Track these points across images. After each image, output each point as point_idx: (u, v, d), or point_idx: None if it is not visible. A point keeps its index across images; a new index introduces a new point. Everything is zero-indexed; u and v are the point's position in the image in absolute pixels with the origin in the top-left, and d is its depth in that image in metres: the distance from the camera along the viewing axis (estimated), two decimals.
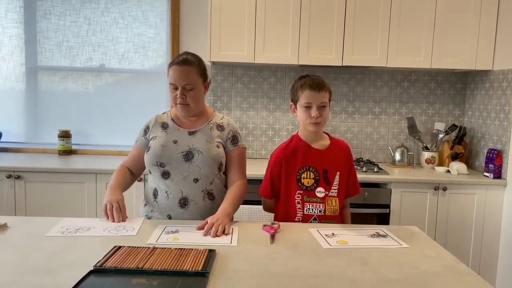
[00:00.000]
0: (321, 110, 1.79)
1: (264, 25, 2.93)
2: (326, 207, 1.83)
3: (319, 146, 1.88)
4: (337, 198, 1.86)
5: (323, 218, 1.83)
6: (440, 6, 2.94)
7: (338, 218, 1.86)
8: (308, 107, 1.79)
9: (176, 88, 1.79)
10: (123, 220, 1.71)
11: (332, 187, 1.85)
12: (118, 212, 1.70)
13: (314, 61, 2.97)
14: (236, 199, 1.82)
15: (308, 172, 1.84)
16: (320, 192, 1.84)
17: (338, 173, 1.86)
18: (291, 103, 1.90)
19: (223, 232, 1.59)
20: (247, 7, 2.92)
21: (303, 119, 1.82)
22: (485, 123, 3.11)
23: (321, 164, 1.85)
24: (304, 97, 1.79)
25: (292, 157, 1.86)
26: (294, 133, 1.96)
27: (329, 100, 1.83)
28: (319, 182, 1.84)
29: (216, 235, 1.56)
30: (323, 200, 1.84)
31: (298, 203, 1.84)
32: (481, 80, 3.18)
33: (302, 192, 1.84)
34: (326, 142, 1.90)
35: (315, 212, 1.83)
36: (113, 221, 1.69)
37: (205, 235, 1.57)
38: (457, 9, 2.94)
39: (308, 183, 1.84)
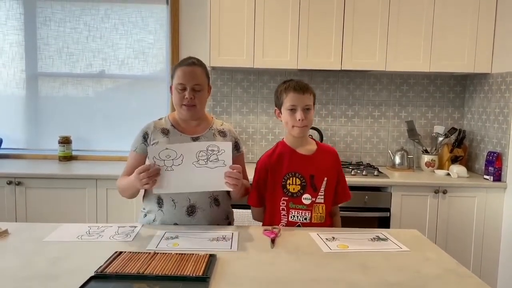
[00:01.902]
0: (306, 112, 1.78)
1: (263, 29, 2.94)
2: (313, 214, 1.81)
3: (305, 151, 1.86)
4: (324, 205, 1.83)
5: (308, 225, 1.80)
6: (439, 9, 2.95)
7: (324, 226, 1.83)
8: (293, 110, 1.78)
9: (184, 89, 1.78)
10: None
11: (319, 194, 1.83)
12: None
13: (313, 65, 2.98)
14: (247, 187, 1.87)
15: (294, 178, 1.82)
16: (306, 199, 1.81)
17: (325, 178, 1.84)
18: (275, 108, 1.89)
19: (233, 179, 1.63)
20: (247, 12, 2.93)
21: (288, 122, 1.81)
22: (484, 126, 3.11)
23: (307, 170, 1.83)
24: (289, 99, 1.79)
25: (278, 164, 1.84)
26: (279, 141, 1.96)
27: (313, 103, 1.84)
28: (305, 189, 1.82)
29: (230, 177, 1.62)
30: (309, 207, 1.81)
31: (283, 209, 1.82)
32: (480, 83, 3.19)
33: (287, 198, 1.82)
34: (313, 147, 1.89)
35: (299, 219, 1.81)
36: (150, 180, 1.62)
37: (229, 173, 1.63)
38: (455, 13, 2.96)
39: (294, 190, 1.81)
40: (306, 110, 1.79)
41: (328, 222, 1.87)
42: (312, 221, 1.81)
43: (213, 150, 1.64)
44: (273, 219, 1.84)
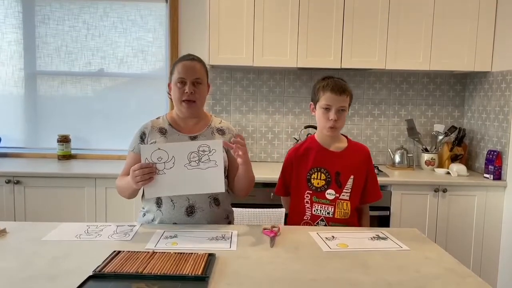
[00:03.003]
0: (339, 113, 1.80)
1: (262, 28, 2.93)
2: (336, 210, 1.83)
3: (334, 148, 1.89)
4: (348, 202, 1.85)
5: (331, 220, 1.83)
6: (439, 8, 2.94)
7: (348, 222, 1.84)
8: (327, 109, 1.80)
9: (184, 83, 1.77)
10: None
11: (344, 190, 1.84)
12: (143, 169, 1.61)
13: (313, 63, 2.97)
14: (253, 176, 1.84)
15: (319, 173, 1.85)
16: (330, 194, 1.84)
17: (352, 176, 1.85)
18: (311, 102, 1.91)
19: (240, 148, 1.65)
20: (246, 10, 2.92)
21: (321, 120, 1.84)
22: (484, 125, 3.11)
23: (334, 166, 1.85)
24: (325, 98, 1.80)
25: (304, 157, 1.88)
26: (310, 135, 1.99)
27: (349, 105, 1.85)
28: (330, 184, 1.84)
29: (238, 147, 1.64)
30: (333, 202, 1.84)
31: (307, 202, 1.86)
32: (480, 81, 3.18)
33: (311, 192, 1.85)
34: (343, 144, 1.91)
35: (323, 214, 1.84)
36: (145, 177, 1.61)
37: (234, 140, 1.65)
38: (456, 11, 2.95)
39: (318, 184, 1.85)
40: (340, 111, 1.81)
41: (353, 219, 1.88)
42: (335, 216, 1.83)
43: (204, 151, 1.63)
44: (297, 211, 1.88)
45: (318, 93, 1.84)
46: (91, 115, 3.43)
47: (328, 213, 1.83)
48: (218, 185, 1.64)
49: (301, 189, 1.87)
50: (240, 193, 1.87)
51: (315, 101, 1.87)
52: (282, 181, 1.96)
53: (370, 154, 1.95)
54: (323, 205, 1.84)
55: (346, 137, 1.96)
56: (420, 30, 2.96)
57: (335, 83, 1.81)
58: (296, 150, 1.93)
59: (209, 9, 2.91)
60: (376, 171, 2.94)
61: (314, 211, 1.84)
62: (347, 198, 1.84)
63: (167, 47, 3.33)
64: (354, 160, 1.88)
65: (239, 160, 1.68)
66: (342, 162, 1.85)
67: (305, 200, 1.86)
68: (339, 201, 1.84)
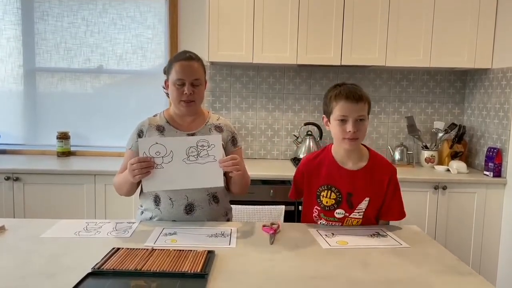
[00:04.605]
0: (359, 124, 1.59)
1: (262, 25, 2.92)
2: (344, 224, 1.72)
3: (351, 166, 1.69)
4: (360, 219, 1.71)
5: None
6: (439, 4, 2.93)
7: None
8: (343, 121, 1.59)
9: (183, 84, 1.75)
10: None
11: (356, 210, 1.69)
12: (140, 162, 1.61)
13: (312, 60, 2.96)
14: (248, 175, 1.84)
15: (329, 191, 1.68)
16: (339, 213, 1.70)
17: (367, 199, 1.68)
18: (324, 115, 1.70)
19: (232, 166, 1.62)
20: (245, 7, 2.91)
21: (337, 134, 1.62)
22: (484, 122, 3.10)
23: (346, 187, 1.67)
24: (339, 109, 1.59)
25: (316, 171, 1.72)
26: (328, 144, 1.80)
27: (368, 113, 1.63)
28: (340, 204, 1.68)
29: (229, 166, 1.61)
30: (341, 220, 1.71)
31: (315, 217, 1.76)
32: (480, 78, 3.17)
33: (319, 209, 1.73)
34: (362, 162, 1.69)
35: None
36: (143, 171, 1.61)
37: (222, 164, 1.62)
38: (456, 8, 2.94)
39: (327, 203, 1.70)
40: (359, 121, 1.60)
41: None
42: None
43: (203, 146, 1.62)
44: (307, 219, 1.79)
45: (330, 104, 1.62)
46: (91, 112, 3.42)
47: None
48: (217, 180, 1.64)
49: (311, 202, 1.74)
50: (236, 191, 1.87)
51: (328, 113, 1.65)
52: (295, 186, 1.82)
53: (396, 173, 1.72)
54: (331, 222, 1.73)
55: (369, 149, 1.74)
56: (420, 27, 2.95)
57: (349, 89, 1.60)
58: (309, 161, 1.75)
59: (209, 5, 2.90)
60: None
61: (321, 224, 1.74)
62: (360, 217, 1.70)
63: (167, 44, 3.32)
64: (374, 179, 1.68)
65: (234, 174, 1.66)
66: (356, 182, 1.67)
67: (313, 214, 1.76)
68: (348, 218, 1.71)
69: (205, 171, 1.62)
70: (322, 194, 1.71)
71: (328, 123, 1.69)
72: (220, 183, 1.65)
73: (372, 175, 1.69)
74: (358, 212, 1.70)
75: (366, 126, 1.64)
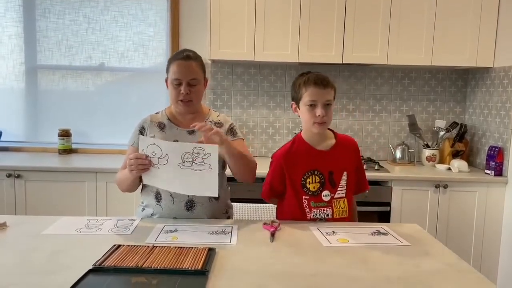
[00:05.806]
0: (326, 108, 1.70)
1: (264, 22, 2.92)
2: (334, 210, 1.78)
3: (323, 147, 1.80)
4: (345, 199, 1.80)
5: (331, 221, 1.78)
6: (441, 3, 2.92)
7: (348, 220, 1.81)
8: (312, 105, 1.69)
9: (180, 84, 1.75)
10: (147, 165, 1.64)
11: (338, 189, 1.79)
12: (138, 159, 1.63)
13: (314, 58, 2.96)
14: (246, 155, 1.78)
15: (313, 176, 1.77)
16: (326, 195, 1.77)
17: (345, 173, 1.79)
18: (292, 101, 1.80)
19: (212, 133, 1.59)
20: (247, 4, 2.91)
21: (307, 119, 1.73)
22: (486, 121, 3.10)
23: (326, 166, 1.78)
24: (308, 94, 1.69)
25: (295, 162, 1.78)
26: (296, 133, 1.88)
27: (334, 98, 1.74)
28: (324, 185, 1.77)
29: (208, 133, 1.59)
30: (329, 203, 1.78)
31: (306, 207, 1.79)
32: (482, 77, 3.17)
33: (308, 197, 1.78)
34: (331, 141, 1.82)
35: (322, 217, 1.78)
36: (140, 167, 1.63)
37: (197, 128, 1.60)
38: (458, 6, 2.93)
39: (313, 188, 1.77)
40: (327, 105, 1.70)
41: (350, 216, 1.84)
42: (334, 217, 1.78)
43: (199, 153, 1.60)
44: (296, 215, 1.80)
45: (299, 90, 1.72)
46: (92, 109, 3.42)
47: (327, 215, 1.78)
48: (211, 189, 1.62)
49: (298, 194, 1.79)
50: (243, 178, 1.82)
51: (297, 99, 1.75)
52: (270, 187, 1.85)
53: (358, 146, 1.88)
54: (321, 208, 1.78)
55: (332, 131, 1.87)
56: (422, 25, 2.94)
57: (317, 76, 1.71)
58: (286, 154, 1.80)
59: (210, 3, 2.90)
60: (377, 166, 2.97)
61: (313, 215, 1.78)
62: (343, 195, 1.79)
63: (168, 41, 3.32)
64: (344, 155, 1.81)
65: (215, 139, 1.61)
66: (333, 160, 1.78)
67: (304, 204, 1.79)
68: (334, 200, 1.78)
69: (199, 179, 1.61)
70: (308, 180, 1.78)
71: (297, 109, 1.78)
72: (215, 193, 1.62)
73: (342, 151, 1.81)
74: (341, 190, 1.79)
75: (332, 110, 1.75)
